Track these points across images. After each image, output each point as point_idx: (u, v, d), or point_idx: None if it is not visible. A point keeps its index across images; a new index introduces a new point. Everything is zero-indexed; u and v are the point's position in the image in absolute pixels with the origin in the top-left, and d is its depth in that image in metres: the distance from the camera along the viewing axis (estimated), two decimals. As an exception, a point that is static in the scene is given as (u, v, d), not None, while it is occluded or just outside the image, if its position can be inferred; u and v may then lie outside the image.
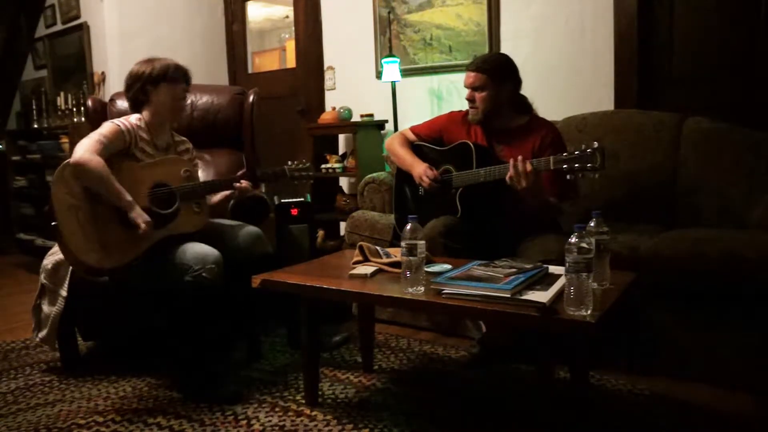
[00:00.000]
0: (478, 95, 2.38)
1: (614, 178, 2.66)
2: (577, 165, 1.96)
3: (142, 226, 2.10)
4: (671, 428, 1.89)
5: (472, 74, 2.37)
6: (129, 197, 2.13)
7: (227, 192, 2.39)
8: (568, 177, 2.01)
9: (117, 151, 2.18)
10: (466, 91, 2.42)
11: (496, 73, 2.36)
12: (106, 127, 2.21)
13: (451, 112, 2.64)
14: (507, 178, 2.12)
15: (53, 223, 2.10)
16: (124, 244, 2.15)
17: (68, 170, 2.11)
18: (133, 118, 2.29)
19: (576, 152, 1.97)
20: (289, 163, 2.43)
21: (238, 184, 2.35)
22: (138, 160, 2.24)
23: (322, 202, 3.72)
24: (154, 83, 2.26)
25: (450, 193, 2.38)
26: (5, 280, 4.22)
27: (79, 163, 2.09)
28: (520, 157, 2.10)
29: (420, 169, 2.44)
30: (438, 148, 2.53)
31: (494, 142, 2.44)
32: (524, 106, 2.47)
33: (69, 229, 2.09)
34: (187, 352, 2.18)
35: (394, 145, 2.63)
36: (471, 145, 2.36)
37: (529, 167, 2.08)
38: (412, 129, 2.66)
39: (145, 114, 2.31)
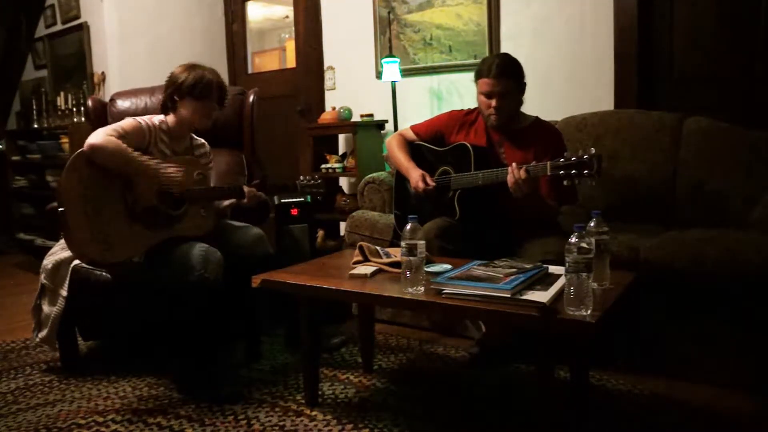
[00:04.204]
0: (505, 101, 2.33)
1: (614, 178, 2.66)
2: (573, 171, 1.95)
3: (180, 175, 2.20)
4: (671, 428, 1.89)
5: (503, 81, 2.29)
6: (154, 161, 2.16)
7: (235, 201, 2.38)
8: (565, 183, 2.00)
9: (135, 146, 2.17)
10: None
11: (518, 78, 2.35)
12: (126, 121, 2.22)
13: (452, 111, 2.62)
14: (509, 183, 2.11)
15: (60, 209, 2.09)
16: (127, 241, 2.15)
17: (82, 158, 2.10)
18: (156, 119, 2.30)
19: (573, 158, 1.96)
20: (301, 178, 2.44)
21: (248, 192, 2.33)
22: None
23: (322, 202, 3.71)
24: (181, 96, 2.26)
25: (448, 195, 2.37)
26: (5, 280, 4.22)
27: (93, 145, 2.08)
28: (514, 164, 2.10)
29: (415, 177, 2.42)
30: (436, 148, 2.52)
31: (496, 143, 2.44)
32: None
33: (75, 217, 2.08)
34: (187, 351, 2.18)
35: (392, 147, 2.62)
36: (469, 146, 2.35)
37: (524, 174, 2.08)
38: (412, 128, 2.65)
39: (169, 119, 2.31)
